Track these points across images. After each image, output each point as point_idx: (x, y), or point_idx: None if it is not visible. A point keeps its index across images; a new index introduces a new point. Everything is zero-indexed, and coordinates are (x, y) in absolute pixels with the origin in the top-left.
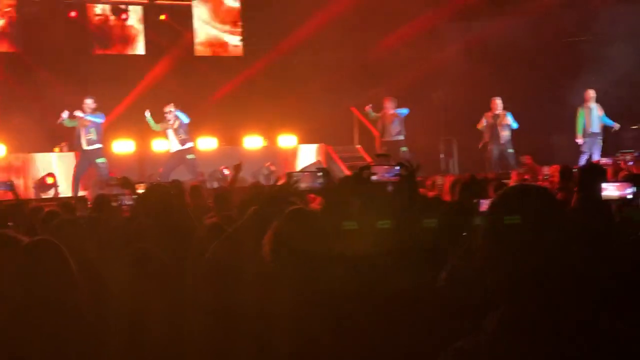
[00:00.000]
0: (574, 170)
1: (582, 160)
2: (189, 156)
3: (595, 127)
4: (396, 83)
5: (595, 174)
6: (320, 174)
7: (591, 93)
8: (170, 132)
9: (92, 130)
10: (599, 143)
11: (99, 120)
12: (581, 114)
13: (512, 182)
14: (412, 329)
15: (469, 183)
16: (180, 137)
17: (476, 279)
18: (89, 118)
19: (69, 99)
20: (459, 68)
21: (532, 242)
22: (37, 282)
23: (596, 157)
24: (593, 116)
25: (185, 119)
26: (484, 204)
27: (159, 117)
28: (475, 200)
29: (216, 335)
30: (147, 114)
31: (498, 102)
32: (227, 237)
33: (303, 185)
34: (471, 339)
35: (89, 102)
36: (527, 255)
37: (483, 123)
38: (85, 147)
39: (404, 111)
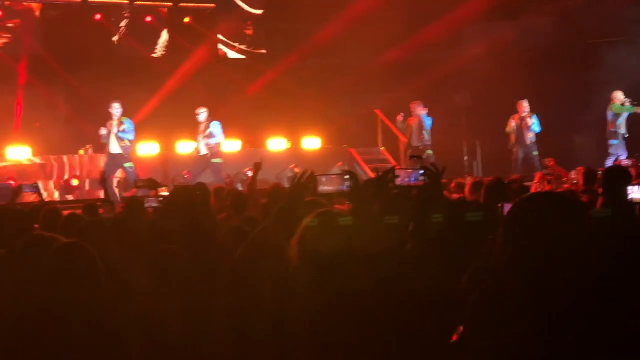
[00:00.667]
0: (598, 172)
1: (609, 163)
2: (215, 160)
3: (625, 129)
4: (420, 85)
5: (620, 176)
6: (347, 177)
7: (620, 95)
8: (199, 138)
9: (124, 138)
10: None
11: (131, 137)
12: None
13: (535, 184)
14: (434, 331)
15: (495, 185)
16: (209, 146)
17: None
18: (122, 137)
19: (94, 102)
20: (482, 70)
21: (548, 252)
22: (66, 284)
23: (623, 158)
24: (623, 118)
25: (218, 135)
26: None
27: (188, 117)
28: (499, 205)
29: (240, 338)
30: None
31: (524, 105)
32: (252, 240)
33: (330, 188)
34: None
35: (117, 107)
36: (542, 267)
37: (512, 125)
38: (113, 151)
39: (429, 122)
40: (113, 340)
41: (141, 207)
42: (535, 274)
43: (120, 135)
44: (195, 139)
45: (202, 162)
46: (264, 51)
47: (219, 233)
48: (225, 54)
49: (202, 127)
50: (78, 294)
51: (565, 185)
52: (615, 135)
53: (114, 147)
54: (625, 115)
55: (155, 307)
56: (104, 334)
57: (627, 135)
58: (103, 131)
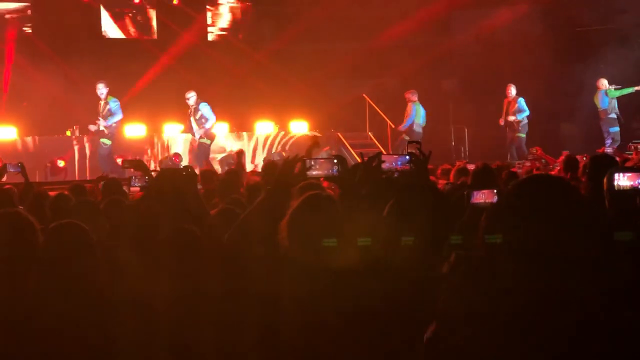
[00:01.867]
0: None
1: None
2: (202, 140)
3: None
4: (407, 70)
5: (606, 163)
6: (336, 161)
7: (605, 82)
8: (192, 121)
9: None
10: None
11: (118, 117)
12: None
13: (524, 172)
14: (424, 314)
15: (482, 171)
16: (204, 129)
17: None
18: (110, 123)
19: (82, 83)
20: (470, 56)
21: (546, 234)
22: (62, 264)
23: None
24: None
25: (210, 117)
26: (476, 196)
27: (176, 100)
28: (465, 192)
29: (230, 322)
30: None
31: (511, 89)
32: (241, 223)
33: (319, 172)
34: None
35: (101, 87)
36: (540, 246)
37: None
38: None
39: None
40: (105, 323)
41: (120, 188)
42: (537, 254)
43: (107, 123)
44: (187, 123)
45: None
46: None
47: (207, 215)
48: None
49: (192, 109)
50: (75, 274)
51: (553, 172)
52: (615, 121)
53: (92, 125)
54: (615, 100)
55: (146, 289)
56: (96, 317)
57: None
58: (92, 127)
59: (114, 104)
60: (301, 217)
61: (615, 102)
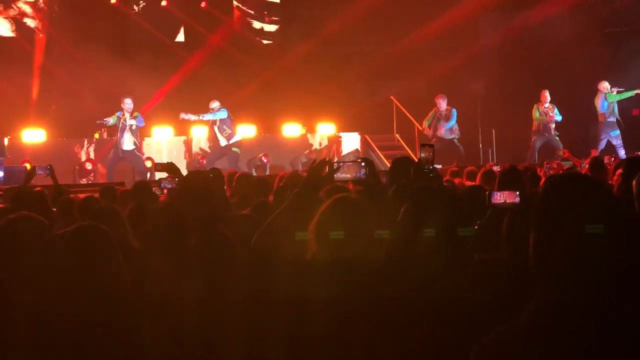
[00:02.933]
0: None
1: (622, 153)
2: (234, 149)
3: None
4: (435, 73)
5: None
6: (363, 164)
7: (607, 85)
8: (215, 129)
9: (137, 132)
10: None
11: (141, 124)
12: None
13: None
14: (453, 316)
15: (509, 173)
16: (226, 133)
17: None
18: (133, 123)
19: (110, 86)
20: (498, 58)
21: (581, 231)
22: (82, 267)
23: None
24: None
25: (222, 115)
26: (497, 196)
27: (203, 103)
28: (487, 193)
29: (255, 323)
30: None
31: (546, 95)
32: (267, 226)
33: (346, 175)
34: (507, 327)
35: (128, 102)
36: (576, 243)
37: (538, 111)
38: (126, 147)
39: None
40: (129, 326)
41: (150, 192)
42: (570, 251)
43: (135, 122)
44: (211, 132)
45: (220, 150)
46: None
47: (233, 218)
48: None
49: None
50: (94, 277)
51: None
52: (616, 125)
53: (127, 144)
54: (615, 103)
55: (172, 293)
56: (120, 320)
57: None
58: (106, 121)
59: (139, 118)
60: (329, 219)
61: (615, 106)
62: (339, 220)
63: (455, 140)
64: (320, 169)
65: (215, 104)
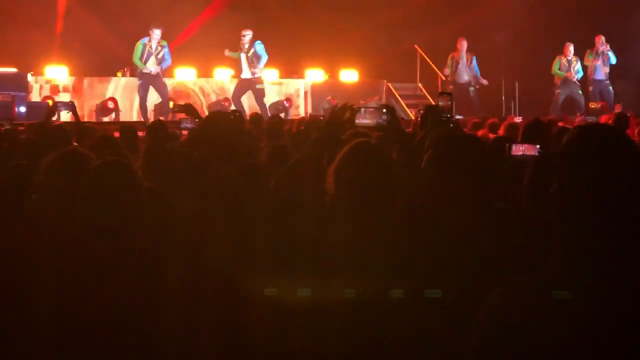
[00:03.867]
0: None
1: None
2: (258, 85)
3: None
4: (459, 22)
5: None
6: (385, 110)
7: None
8: (243, 58)
9: (162, 61)
10: None
11: (169, 62)
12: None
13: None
14: (473, 266)
15: (533, 126)
16: (253, 68)
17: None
18: (165, 67)
19: (134, 25)
20: (524, 10)
21: (605, 183)
22: (107, 202)
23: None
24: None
25: (263, 55)
26: (516, 148)
27: (228, 44)
28: (507, 145)
29: (279, 264)
30: (227, 52)
31: (570, 48)
32: (289, 168)
33: (368, 121)
34: (527, 278)
35: (157, 33)
36: (599, 198)
37: (560, 65)
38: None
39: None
40: (154, 264)
41: (165, 131)
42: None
43: (163, 66)
44: (238, 60)
45: (243, 86)
46: None
47: (258, 156)
48: None
49: (246, 47)
50: (119, 214)
51: None
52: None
53: (152, 67)
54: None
55: (198, 231)
56: (145, 258)
57: None
58: (152, 69)
59: (167, 49)
60: (349, 163)
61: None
62: (358, 164)
63: (472, 90)
64: (342, 114)
65: (248, 32)
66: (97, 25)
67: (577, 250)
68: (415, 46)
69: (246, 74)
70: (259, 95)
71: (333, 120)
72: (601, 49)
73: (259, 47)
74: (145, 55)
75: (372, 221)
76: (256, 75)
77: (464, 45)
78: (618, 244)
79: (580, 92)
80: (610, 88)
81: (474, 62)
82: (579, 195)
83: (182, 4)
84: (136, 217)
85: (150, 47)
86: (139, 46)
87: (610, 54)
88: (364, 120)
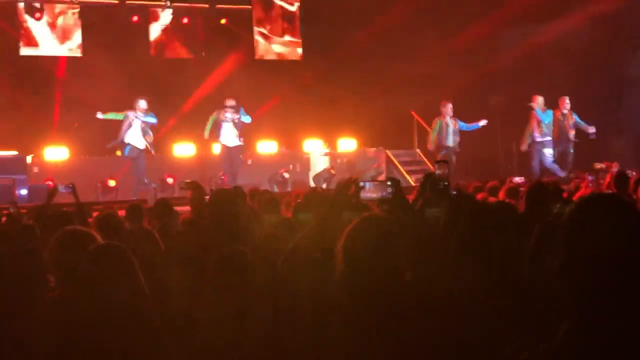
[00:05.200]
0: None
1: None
2: (240, 143)
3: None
4: (454, 87)
5: None
6: (390, 183)
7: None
8: (229, 126)
9: (149, 131)
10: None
11: (154, 121)
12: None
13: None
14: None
15: (537, 188)
16: (239, 132)
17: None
18: (146, 119)
19: (132, 104)
20: (517, 72)
21: (611, 256)
22: (103, 286)
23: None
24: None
25: (247, 119)
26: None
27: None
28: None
29: (274, 339)
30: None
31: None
32: (295, 247)
33: (372, 194)
34: (536, 349)
35: (142, 103)
36: (605, 269)
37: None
38: (142, 147)
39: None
40: (151, 341)
41: (171, 210)
42: (599, 277)
43: (146, 119)
44: (216, 131)
45: (231, 156)
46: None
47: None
48: (261, 56)
49: (231, 113)
50: (115, 294)
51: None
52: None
53: (139, 142)
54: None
55: (193, 308)
56: (142, 335)
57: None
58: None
59: (154, 118)
60: (358, 238)
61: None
62: (368, 238)
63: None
64: (347, 189)
65: (231, 102)
66: (95, 104)
67: (588, 325)
68: (412, 112)
69: (233, 141)
70: (241, 163)
71: (339, 197)
72: (565, 111)
73: (244, 115)
74: (125, 126)
75: (384, 297)
76: (240, 141)
77: (448, 107)
78: (629, 321)
79: (572, 150)
80: (571, 151)
81: (459, 124)
82: (586, 270)
83: (179, 80)
84: (133, 299)
85: (136, 115)
86: (121, 116)
87: (575, 115)
88: (368, 194)
